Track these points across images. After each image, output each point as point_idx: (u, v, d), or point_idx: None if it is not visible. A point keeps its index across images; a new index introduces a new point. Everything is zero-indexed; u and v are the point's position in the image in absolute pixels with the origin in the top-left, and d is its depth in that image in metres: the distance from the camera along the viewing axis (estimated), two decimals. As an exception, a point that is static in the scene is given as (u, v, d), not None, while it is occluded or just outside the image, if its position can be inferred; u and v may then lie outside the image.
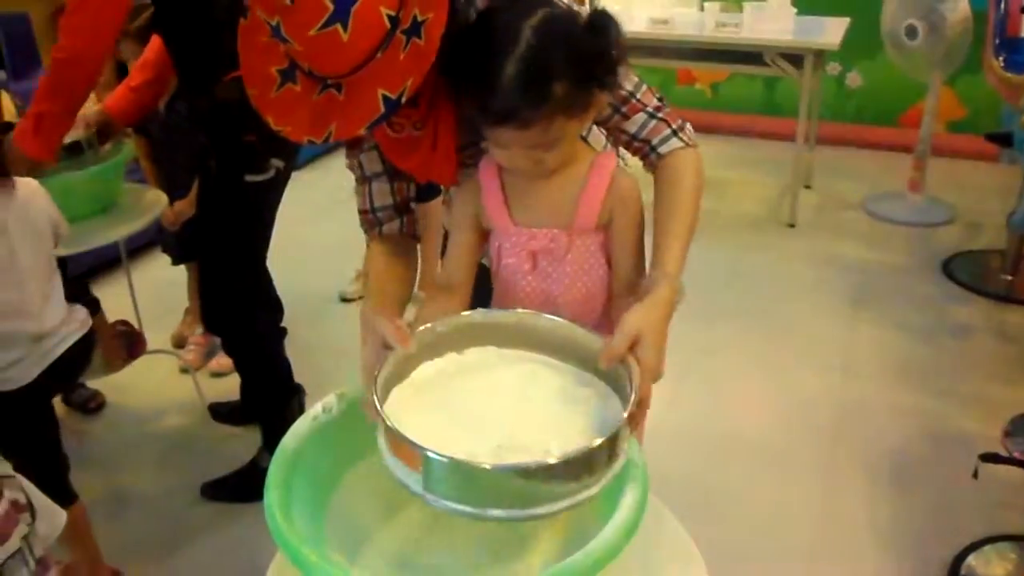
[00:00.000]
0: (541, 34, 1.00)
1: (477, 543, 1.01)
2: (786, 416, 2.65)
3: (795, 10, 3.89)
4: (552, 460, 0.85)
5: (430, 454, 0.84)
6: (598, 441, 0.86)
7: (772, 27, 3.79)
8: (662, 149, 1.22)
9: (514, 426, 0.93)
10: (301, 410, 2.48)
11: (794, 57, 3.72)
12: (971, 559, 2.06)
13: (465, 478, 0.85)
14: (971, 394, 2.70)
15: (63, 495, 1.92)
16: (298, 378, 2.65)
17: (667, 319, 1.05)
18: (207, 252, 2.24)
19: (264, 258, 2.40)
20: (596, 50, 1.04)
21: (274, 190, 2.22)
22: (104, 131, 2.33)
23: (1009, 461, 2.14)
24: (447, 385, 1.02)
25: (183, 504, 2.34)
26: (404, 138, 1.18)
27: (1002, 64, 3.46)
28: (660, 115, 1.22)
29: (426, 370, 1.04)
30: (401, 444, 0.87)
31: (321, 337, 3.09)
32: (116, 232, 2.32)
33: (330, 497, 1.04)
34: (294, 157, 2.25)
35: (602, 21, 1.05)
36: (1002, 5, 3.64)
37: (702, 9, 4.13)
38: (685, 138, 1.23)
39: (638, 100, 1.21)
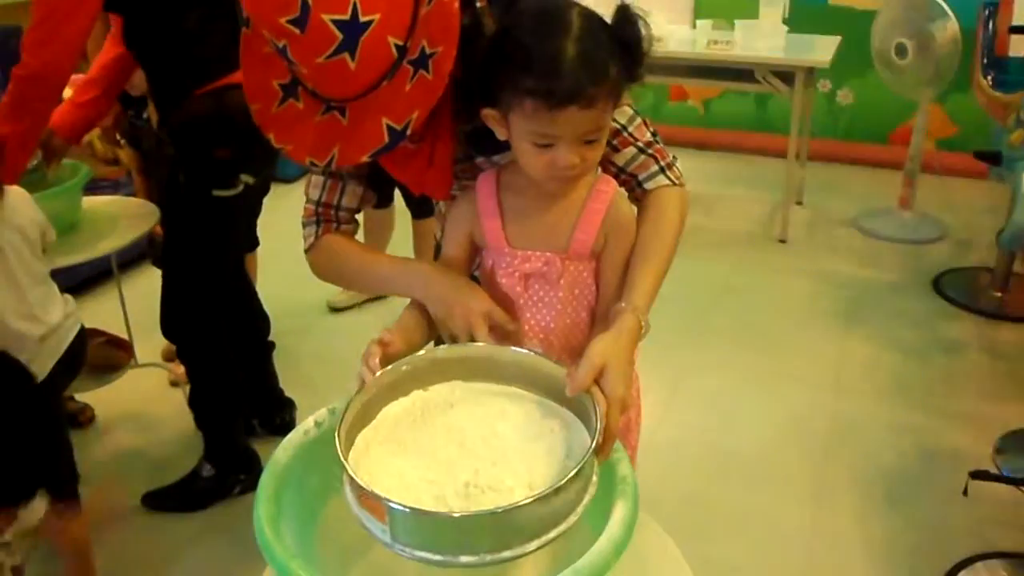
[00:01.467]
0: (587, 20, 1.04)
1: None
2: (778, 432, 2.65)
3: (786, 28, 3.91)
4: (518, 502, 0.84)
5: (393, 505, 0.84)
6: (563, 480, 0.85)
7: (764, 44, 3.82)
8: (648, 185, 1.22)
9: (481, 464, 0.93)
10: (292, 424, 2.47)
11: (785, 74, 3.75)
12: (962, 576, 2.07)
13: (430, 527, 0.85)
14: (962, 411, 2.71)
15: (70, 503, 1.92)
16: (288, 390, 2.65)
17: (632, 349, 1.05)
18: (171, 262, 2.24)
19: (235, 270, 2.40)
20: (630, 37, 1.06)
21: (243, 205, 2.21)
22: (48, 148, 2.24)
23: (999, 479, 2.15)
24: (413, 425, 1.01)
25: (172, 518, 2.32)
26: (401, 150, 1.18)
27: (991, 83, 3.50)
28: (650, 151, 1.22)
29: (392, 410, 1.03)
30: (365, 495, 0.87)
31: (313, 349, 3.09)
32: (108, 245, 2.31)
33: (321, 512, 1.04)
34: (268, 172, 2.24)
35: (627, 11, 1.07)
36: (990, 25, 3.68)
37: (694, 26, 4.16)
38: (672, 176, 1.23)
39: (629, 134, 1.21)
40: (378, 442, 0.99)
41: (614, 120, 1.19)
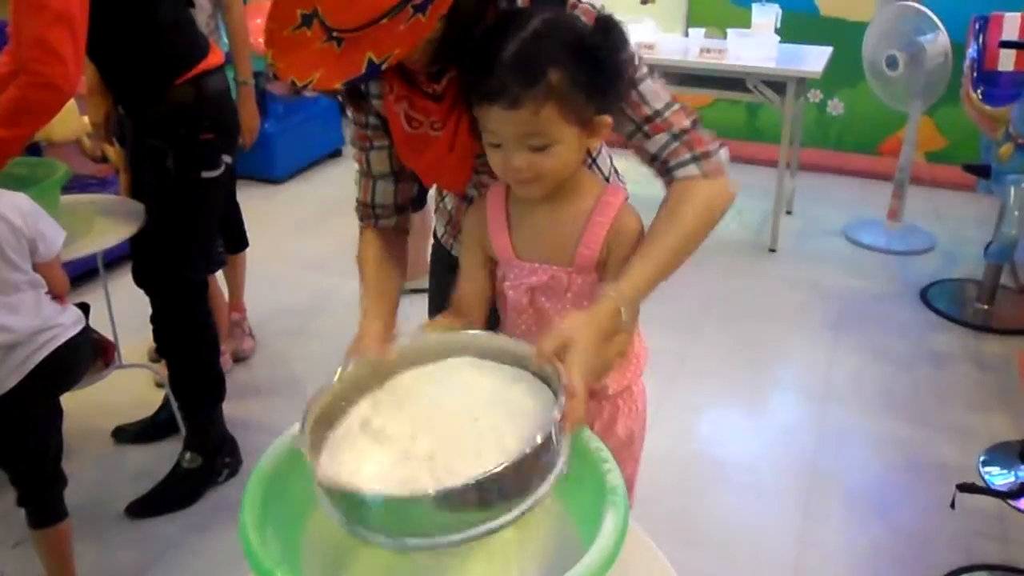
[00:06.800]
0: (547, 23, 1.04)
1: (455, 570, 0.99)
2: (765, 442, 2.65)
3: (778, 38, 3.93)
4: (431, 491, 0.82)
5: (324, 480, 0.86)
6: (478, 477, 0.81)
7: (755, 54, 3.83)
8: (677, 173, 1.16)
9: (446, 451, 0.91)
10: None
11: (777, 84, 3.76)
12: (947, 588, 2.07)
13: (357, 505, 0.86)
14: (948, 423, 2.72)
15: (54, 511, 1.89)
16: (275, 392, 2.64)
17: (602, 334, 1.01)
18: (163, 250, 2.25)
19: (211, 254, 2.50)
20: (598, 46, 1.05)
21: (225, 184, 2.30)
22: None
23: (986, 491, 2.15)
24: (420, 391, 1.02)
25: (157, 522, 2.30)
26: (420, 136, 1.18)
27: (980, 97, 3.52)
28: (685, 137, 1.15)
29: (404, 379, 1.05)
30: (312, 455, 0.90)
31: (301, 351, 3.07)
32: (85, 246, 2.27)
33: (307, 519, 1.02)
34: (237, 150, 2.35)
35: (608, 22, 1.07)
36: (980, 39, 3.71)
37: (687, 35, 4.17)
38: (707, 166, 1.15)
39: (664, 120, 1.15)
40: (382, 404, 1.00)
41: (647, 105, 1.15)
